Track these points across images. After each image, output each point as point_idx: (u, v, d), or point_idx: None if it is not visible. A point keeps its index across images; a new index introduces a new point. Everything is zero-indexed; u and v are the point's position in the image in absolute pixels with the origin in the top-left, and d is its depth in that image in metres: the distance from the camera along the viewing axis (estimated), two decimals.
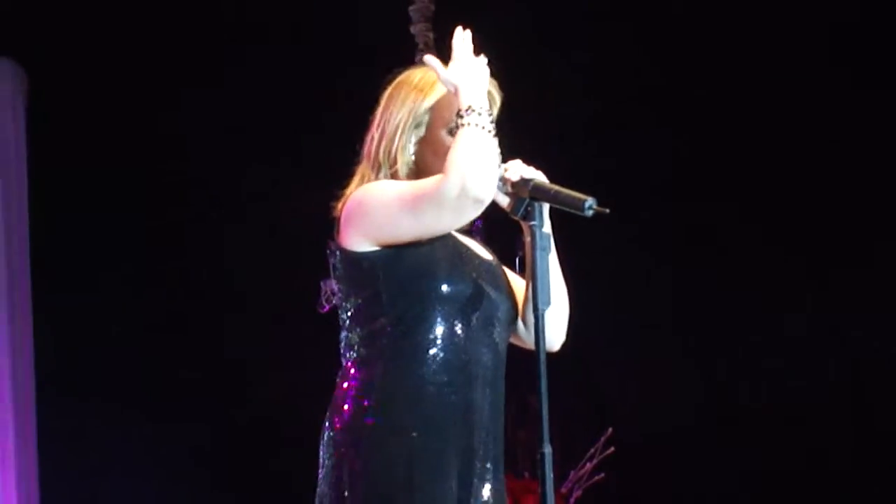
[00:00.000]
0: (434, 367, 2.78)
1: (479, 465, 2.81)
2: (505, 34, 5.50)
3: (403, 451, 2.75)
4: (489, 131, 2.74)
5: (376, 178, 2.89)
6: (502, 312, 2.87)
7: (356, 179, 2.93)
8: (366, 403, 2.78)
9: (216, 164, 6.15)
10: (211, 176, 6.16)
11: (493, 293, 2.85)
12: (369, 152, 2.92)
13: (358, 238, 2.82)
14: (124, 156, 6.23)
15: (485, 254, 2.95)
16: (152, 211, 6.23)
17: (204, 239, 6.14)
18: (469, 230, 2.99)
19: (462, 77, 2.79)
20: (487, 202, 2.74)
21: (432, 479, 2.75)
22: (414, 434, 2.75)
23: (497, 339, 2.85)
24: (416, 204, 2.74)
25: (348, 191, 2.91)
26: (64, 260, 6.21)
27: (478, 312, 2.80)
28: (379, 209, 2.79)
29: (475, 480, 2.80)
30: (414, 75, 2.94)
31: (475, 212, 2.74)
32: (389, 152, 2.89)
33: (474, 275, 2.83)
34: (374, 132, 2.92)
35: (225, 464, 6.07)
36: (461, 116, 2.75)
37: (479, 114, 2.74)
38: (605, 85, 5.85)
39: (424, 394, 2.77)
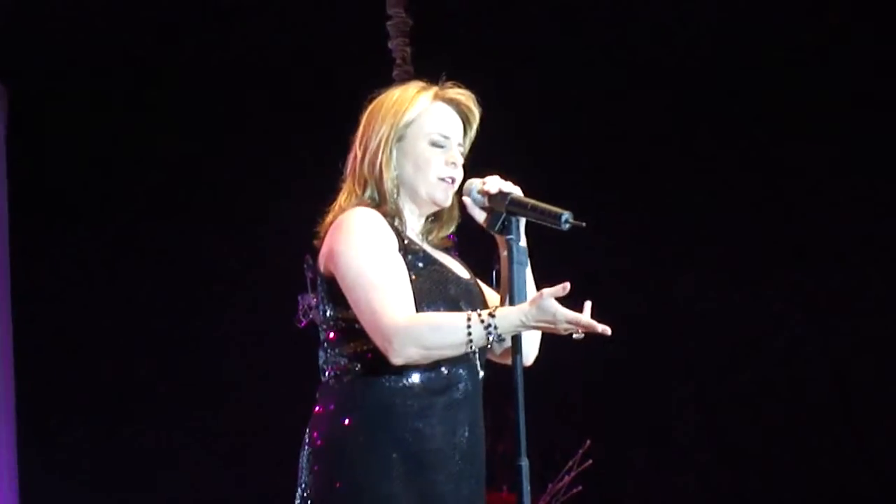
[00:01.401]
0: (415, 388, 2.80)
1: (459, 486, 2.83)
2: (479, 48, 5.55)
3: (384, 468, 2.77)
4: (471, 346, 2.71)
5: (362, 193, 2.89)
6: None
7: (343, 196, 2.93)
8: (346, 422, 2.80)
9: (195, 178, 6.17)
10: (190, 188, 6.18)
11: None
12: (353, 169, 2.93)
13: (330, 268, 2.83)
14: (105, 170, 6.24)
15: (463, 273, 2.96)
16: (131, 223, 6.23)
17: (183, 250, 6.15)
18: (447, 246, 3.00)
19: (546, 321, 2.69)
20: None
21: (412, 497, 2.77)
22: (394, 454, 2.78)
23: (475, 359, 2.87)
24: (366, 305, 2.74)
25: (335, 205, 2.92)
26: (44, 270, 6.22)
27: None
28: (343, 270, 2.78)
29: (456, 500, 2.82)
30: (392, 93, 2.96)
31: (387, 357, 2.73)
32: (374, 166, 2.89)
33: (454, 296, 2.84)
34: (357, 150, 2.93)
35: (202, 475, 6.06)
36: (487, 314, 2.69)
37: (489, 333, 2.69)
38: (584, 92, 5.88)
39: (405, 413, 2.79)
